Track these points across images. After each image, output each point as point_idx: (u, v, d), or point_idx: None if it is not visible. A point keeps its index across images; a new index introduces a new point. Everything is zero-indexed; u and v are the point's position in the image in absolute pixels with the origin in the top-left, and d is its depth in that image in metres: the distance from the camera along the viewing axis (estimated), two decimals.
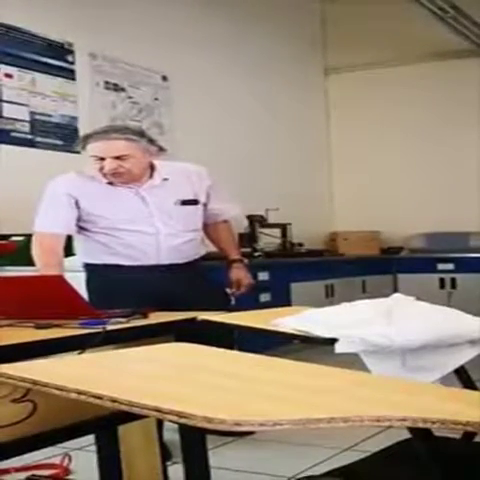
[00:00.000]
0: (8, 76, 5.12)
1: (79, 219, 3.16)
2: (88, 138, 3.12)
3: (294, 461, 3.20)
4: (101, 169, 3.08)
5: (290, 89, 7.57)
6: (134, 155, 3.07)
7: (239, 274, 3.43)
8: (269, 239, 6.65)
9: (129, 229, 3.14)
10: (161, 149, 3.22)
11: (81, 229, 3.20)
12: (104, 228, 3.16)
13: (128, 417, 1.91)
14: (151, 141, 3.16)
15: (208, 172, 3.35)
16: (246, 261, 3.54)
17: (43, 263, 3.12)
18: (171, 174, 3.21)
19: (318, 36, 8.05)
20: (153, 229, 3.14)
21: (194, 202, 3.24)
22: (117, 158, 3.05)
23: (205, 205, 3.30)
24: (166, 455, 2.59)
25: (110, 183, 3.13)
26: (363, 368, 1.65)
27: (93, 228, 3.17)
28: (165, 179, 3.18)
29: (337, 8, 7.85)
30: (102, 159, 3.06)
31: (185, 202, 3.20)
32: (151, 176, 3.18)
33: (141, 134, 3.16)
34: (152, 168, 3.18)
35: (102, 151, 3.06)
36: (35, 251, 3.16)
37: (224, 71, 6.82)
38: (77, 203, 3.14)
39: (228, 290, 3.40)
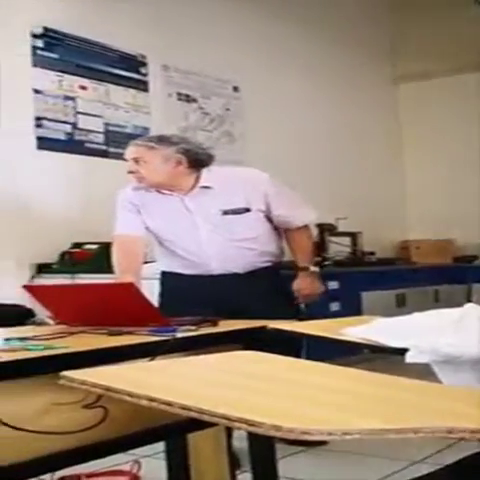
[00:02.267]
0: (83, 88, 5.24)
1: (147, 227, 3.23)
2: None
3: (364, 473, 3.17)
4: (127, 172, 3.19)
5: (360, 96, 7.53)
6: (147, 160, 3.11)
7: (300, 283, 3.34)
8: (339, 248, 6.61)
9: (177, 239, 3.18)
10: (199, 158, 3.19)
11: (154, 237, 3.26)
12: (161, 237, 3.22)
13: (198, 425, 1.92)
14: (185, 150, 3.14)
15: (268, 178, 3.26)
16: (315, 269, 3.42)
17: (118, 269, 3.18)
18: (219, 182, 3.17)
19: (387, 45, 7.99)
20: (199, 238, 3.14)
21: (243, 210, 3.17)
22: (135, 162, 3.13)
23: (265, 212, 3.23)
24: (235, 464, 2.59)
25: (158, 191, 3.18)
26: (434, 379, 1.63)
27: (158, 238, 3.23)
28: (205, 187, 3.15)
29: (406, 17, 7.78)
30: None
31: (229, 211, 3.14)
32: (195, 184, 3.19)
33: (172, 143, 3.15)
34: (198, 176, 3.19)
35: (126, 154, 3.21)
36: (113, 255, 3.23)
37: (294, 80, 6.82)
38: (138, 211, 3.21)
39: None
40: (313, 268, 3.38)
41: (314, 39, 7.01)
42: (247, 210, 3.17)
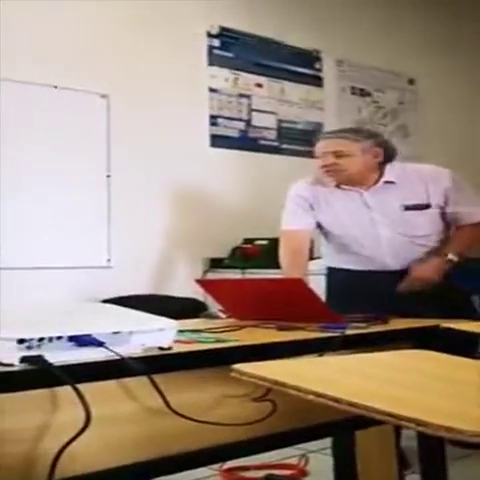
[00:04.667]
0: (258, 86, 5.31)
1: (318, 223, 3.21)
2: (316, 140, 3.19)
3: None
4: (320, 167, 3.10)
5: None
6: (351, 153, 3.04)
7: (424, 264, 3.06)
8: None
9: (353, 234, 3.13)
10: (389, 152, 3.13)
11: (323, 233, 3.25)
12: (334, 233, 3.19)
13: (365, 422, 1.90)
14: (381, 143, 3.09)
15: (449, 174, 3.15)
16: (452, 258, 3.07)
17: (285, 263, 3.19)
18: (401, 177, 3.11)
19: None
20: (375, 234, 3.09)
21: (424, 207, 3.09)
22: (335, 156, 3.05)
23: (442, 208, 3.13)
24: (404, 464, 2.55)
25: (337, 186, 3.14)
26: None
27: (329, 233, 3.21)
28: (388, 182, 3.09)
29: None
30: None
31: (411, 207, 3.07)
32: (378, 179, 3.13)
33: (369, 135, 3.12)
34: (381, 171, 3.13)
35: (320, 148, 3.10)
36: (280, 250, 3.25)
37: (473, 71, 6.59)
38: (311, 206, 3.19)
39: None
40: (451, 256, 3.09)
41: None
42: (427, 206, 3.10)
